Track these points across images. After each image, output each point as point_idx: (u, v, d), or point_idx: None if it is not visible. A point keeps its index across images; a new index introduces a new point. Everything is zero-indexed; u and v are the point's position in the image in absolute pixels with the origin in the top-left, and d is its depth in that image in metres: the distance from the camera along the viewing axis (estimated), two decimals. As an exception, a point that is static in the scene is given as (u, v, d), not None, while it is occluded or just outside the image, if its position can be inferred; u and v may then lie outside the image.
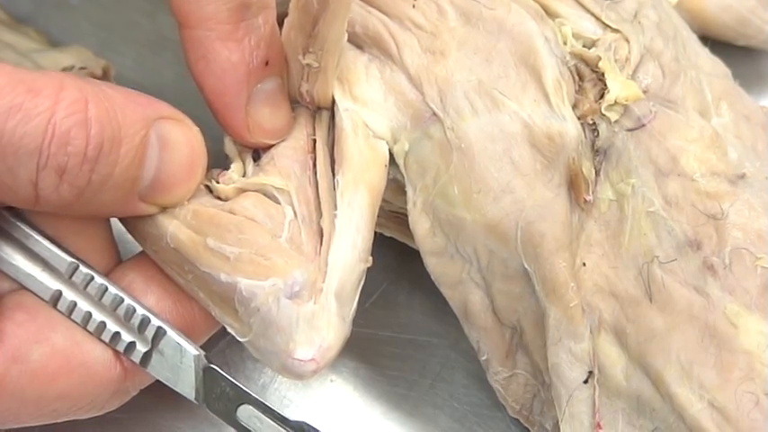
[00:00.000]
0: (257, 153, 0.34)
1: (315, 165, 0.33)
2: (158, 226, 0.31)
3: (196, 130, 0.31)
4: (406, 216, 0.34)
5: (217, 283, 0.30)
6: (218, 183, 0.32)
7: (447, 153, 0.33)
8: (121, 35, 0.46)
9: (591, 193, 0.33)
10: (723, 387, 0.30)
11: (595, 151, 0.34)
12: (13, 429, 0.32)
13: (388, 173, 0.34)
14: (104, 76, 0.42)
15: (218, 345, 0.37)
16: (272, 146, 0.33)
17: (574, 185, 0.33)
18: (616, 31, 0.35)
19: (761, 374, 0.30)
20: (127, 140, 0.29)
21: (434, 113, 0.33)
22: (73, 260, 0.30)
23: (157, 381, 0.32)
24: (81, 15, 0.47)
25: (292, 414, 0.30)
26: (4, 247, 0.30)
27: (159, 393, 0.32)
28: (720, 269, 0.31)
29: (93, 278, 0.31)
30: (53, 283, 0.30)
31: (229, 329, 0.31)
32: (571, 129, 0.33)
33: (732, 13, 0.41)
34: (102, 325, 0.30)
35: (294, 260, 0.30)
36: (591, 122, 0.34)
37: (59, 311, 0.30)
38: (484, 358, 0.35)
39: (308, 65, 0.32)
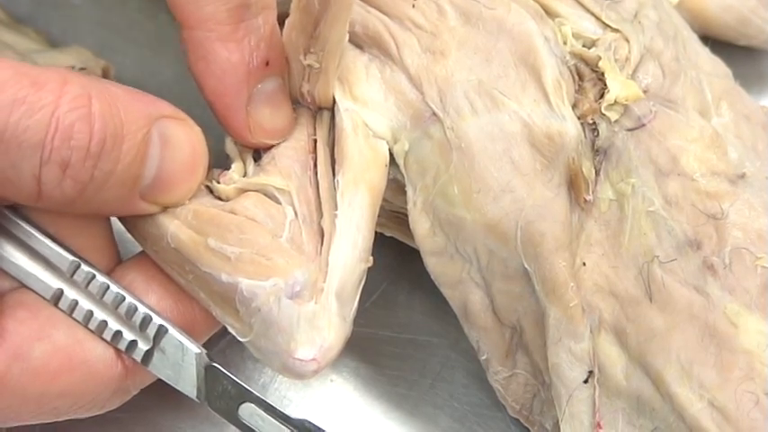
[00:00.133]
0: (258, 153, 0.34)
1: (316, 165, 0.33)
2: (159, 226, 0.31)
3: (198, 129, 0.31)
4: (406, 216, 0.34)
5: (218, 284, 0.30)
6: (218, 183, 0.32)
7: (447, 153, 0.33)
8: (121, 35, 0.46)
9: (591, 192, 0.33)
10: (723, 387, 0.30)
11: (595, 151, 0.34)
12: (14, 428, 0.32)
13: (389, 173, 0.34)
14: (104, 77, 0.42)
15: (219, 344, 0.37)
16: (272, 146, 0.33)
17: (574, 185, 0.33)
18: (616, 30, 0.35)
19: (761, 374, 0.30)
20: (129, 137, 0.29)
21: (434, 113, 0.33)
22: (74, 259, 0.30)
23: (158, 380, 0.32)
24: (81, 15, 0.47)
25: (293, 413, 0.30)
26: (5, 246, 0.30)
27: (160, 393, 0.32)
28: (720, 269, 0.32)
29: (94, 277, 0.31)
30: (54, 282, 0.30)
31: (230, 329, 0.31)
32: (571, 128, 0.33)
33: (733, 12, 0.41)
34: (104, 323, 0.30)
35: (295, 260, 0.30)
36: (591, 122, 0.34)
37: (61, 310, 0.30)
38: (484, 358, 0.35)
39: (309, 65, 0.32)
